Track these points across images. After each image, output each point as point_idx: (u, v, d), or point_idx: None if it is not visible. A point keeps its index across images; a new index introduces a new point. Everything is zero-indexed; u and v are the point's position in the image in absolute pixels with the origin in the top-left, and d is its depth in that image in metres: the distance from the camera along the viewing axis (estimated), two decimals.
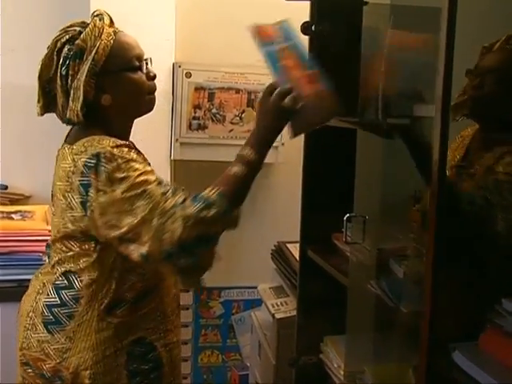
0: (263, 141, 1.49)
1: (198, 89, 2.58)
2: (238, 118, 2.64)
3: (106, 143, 1.45)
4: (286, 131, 2.72)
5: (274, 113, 1.45)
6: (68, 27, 1.54)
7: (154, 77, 1.62)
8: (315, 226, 1.87)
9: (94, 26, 1.50)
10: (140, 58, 1.58)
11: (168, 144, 2.62)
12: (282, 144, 2.70)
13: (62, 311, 1.52)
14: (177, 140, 2.60)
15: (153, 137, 2.59)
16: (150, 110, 1.67)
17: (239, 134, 2.66)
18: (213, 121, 2.62)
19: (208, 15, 2.69)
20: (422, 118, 1.39)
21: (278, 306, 2.16)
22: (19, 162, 2.70)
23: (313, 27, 1.76)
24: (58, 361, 1.52)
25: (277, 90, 1.43)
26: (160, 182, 1.46)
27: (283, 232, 2.66)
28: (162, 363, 1.60)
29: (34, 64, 2.48)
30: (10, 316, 1.89)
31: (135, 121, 2.49)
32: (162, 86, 2.56)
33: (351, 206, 1.66)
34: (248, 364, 2.85)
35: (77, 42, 1.49)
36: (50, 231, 2.42)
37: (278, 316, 2.08)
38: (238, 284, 2.93)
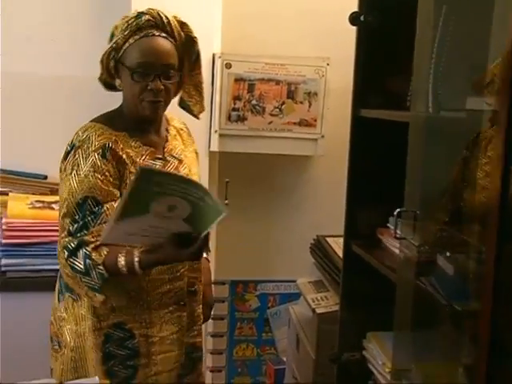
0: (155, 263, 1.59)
1: (238, 80, 2.56)
2: (277, 110, 2.61)
3: (85, 136, 1.62)
4: (326, 123, 2.69)
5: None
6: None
7: (153, 90, 1.62)
8: (359, 220, 1.84)
9: (126, 21, 1.62)
10: (149, 67, 1.61)
11: (207, 135, 2.60)
12: (322, 136, 2.67)
13: (63, 282, 1.70)
14: (216, 131, 2.58)
15: (191, 128, 2.55)
16: (148, 115, 1.67)
17: (278, 126, 2.63)
18: (252, 112, 2.59)
19: (250, 6, 2.66)
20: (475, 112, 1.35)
21: (318, 300, 2.13)
22: (58, 151, 2.71)
23: (361, 17, 1.72)
24: (57, 327, 1.73)
25: None
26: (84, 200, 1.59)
27: (322, 225, 2.63)
28: (138, 353, 1.67)
29: (77, 56, 2.50)
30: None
31: (174, 109, 2.53)
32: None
33: (396, 201, 1.62)
34: (284, 358, 2.84)
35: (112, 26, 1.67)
36: None
37: (318, 311, 2.06)
38: (274, 277, 2.91)
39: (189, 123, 2.54)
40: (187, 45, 1.71)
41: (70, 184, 1.59)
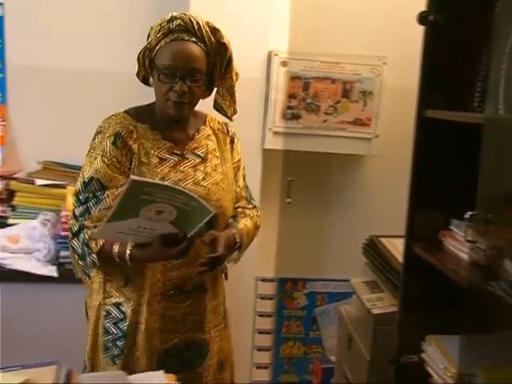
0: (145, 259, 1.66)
1: (294, 78, 2.56)
2: (332, 109, 2.60)
3: (107, 124, 1.73)
4: (380, 123, 2.67)
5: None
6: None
7: (178, 92, 1.68)
8: (421, 222, 1.81)
9: (160, 23, 1.70)
10: (175, 70, 1.67)
11: (260, 133, 2.61)
12: (376, 136, 2.65)
13: None
14: (270, 129, 2.59)
15: (246, 125, 2.58)
16: (172, 114, 1.73)
17: (333, 125, 2.62)
18: (307, 111, 2.59)
19: (306, 4, 2.65)
20: None
21: (373, 301, 2.12)
22: None
23: (430, 17, 1.69)
24: (87, 300, 1.87)
25: None
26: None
27: (374, 225, 2.62)
28: (125, 335, 1.75)
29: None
30: None
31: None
32: (257, 74, 2.57)
33: (457, 203, 1.60)
34: (331, 357, 2.83)
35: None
36: None
37: (374, 311, 2.05)
38: (323, 276, 2.91)
39: (243, 120, 2.56)
40: (219, 50, 1.75)
41: (84, 164, 1.73)
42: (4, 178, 2.57)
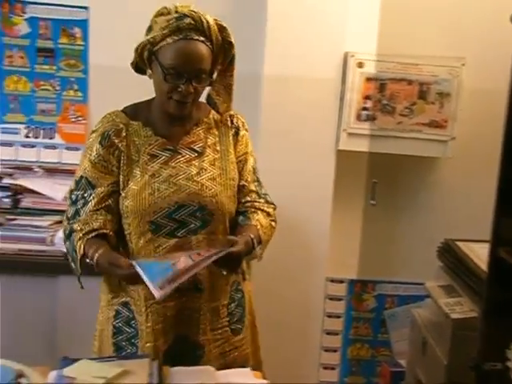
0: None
1: (370, 79, 2.55)
2: (407, 110, 2.58)
3: (100, 123, 1.76)
4: (457, 125, 2.62)
5: None
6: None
7: (183, 92, 1.65)
8: (508, 225, 1.78)
9: (167, 19, 1.64)
10: (182, 70, 1.63)
11: (334, 133, 2.61)
12: (453, 138, 2.62)
13: None
14: (344, 130, 2.59)
15: (320, 126, 2.61)
16: (174, 113, 1.70)
17: (408, 127, 2.60)
18: (382, 112, 2.58)
19: (381, 4, 2.63)
20: None
21: (451, 305, 2.08)
22: None
23: None
24: None
25: None
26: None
27: (447, 229, 2.60)
28: (137, 333, 1.72)
29: None
30: None
31: (301, 106, 2.56)
32: (332, 75, 2.57)
33: None
34: (399, 361, 2.81)
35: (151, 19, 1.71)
36: None
37: (453, 316, 2.02)
38: (393, 279, 2.89)
39: (317, 121, 2.59)
40: (224, 48, 1.72)
41: (79, 163, 1.77)
42: None
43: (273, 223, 1.83)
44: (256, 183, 1.84)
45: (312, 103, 2.58)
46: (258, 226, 1.75)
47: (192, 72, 1.64)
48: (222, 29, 1.70)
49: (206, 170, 1.72)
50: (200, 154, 1.74)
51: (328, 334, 2.90)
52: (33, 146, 2.71)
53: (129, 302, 1.75)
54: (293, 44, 2.53)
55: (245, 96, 2.72)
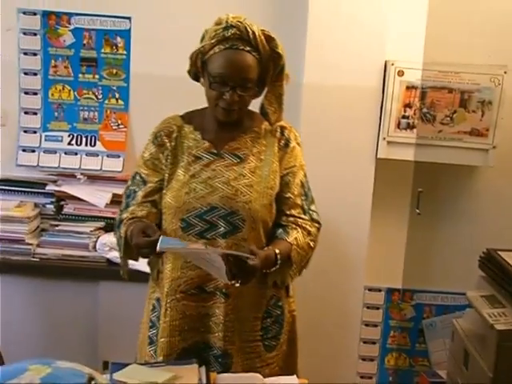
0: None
1: (410, 87, 2.55)
2: (448, 119, 2.57)
3: (159, 124, 1.84)
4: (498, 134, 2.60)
5: None
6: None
7: (227, 100, 1.69)
8: None
9: (215, 29, 1.70)
10: (227, 79, 1.67)
11: (374, 142, 2.61)
12: (494, 147, 2.59)
13: None
14: (384, 138, 2.58)
15: (359, 134, 2.61)
16: (221, 120, 1.75)
17: (448, 135, 2.58)
18: (422, 120, 2.57)
19: (422, 13, 2.62)
20: None
21: (495, 316, 2.06)
22: None
23: None
24: None
25: None
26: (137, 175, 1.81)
27: (487, 238, 2.57)
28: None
29: None
30: None
31: (341, 114, 2.56)
32: (372, 83, 2.57)
33: None
34: (438, 371, 2.78)
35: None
36: None
37: (498, 327, 1.99)
38: (431, 288, 2.86)
39: (357, 129, 2.60)
40: (273, 58, 1.74)
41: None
42: (126, 181, 2.69)
43: (311, 243, 1.78)
44: (303, 197, 1.82)
45: (352, 112, 2.58)
46: (293, 245, 1.73)
47: (236, 81, 1.67)
48: (269, 39, 1.73)
49: (244, 176, 1.74)
50: (242, 161, 1.76)
51: (365, 342, 2.89)
52: (75, 154, 2.76)
53: (160, 297, 1.80)
54: (333, 53, 2.53)
55: (285, 105, 2.76)
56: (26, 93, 2.76)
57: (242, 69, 1.68)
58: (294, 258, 1.72)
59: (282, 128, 1.84)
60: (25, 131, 2.78)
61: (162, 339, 1.73)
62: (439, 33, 2.55)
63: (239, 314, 1.74)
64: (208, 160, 1.76)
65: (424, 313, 2.89)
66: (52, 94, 2.76)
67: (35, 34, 2.71)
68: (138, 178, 1.81)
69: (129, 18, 2.70)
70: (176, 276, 1.74)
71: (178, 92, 2.76)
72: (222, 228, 1.70)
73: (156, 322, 1.81)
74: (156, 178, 1.78)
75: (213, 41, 1.69)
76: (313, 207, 1.83)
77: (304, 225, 1.77)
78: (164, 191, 1.76)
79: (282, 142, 1.82)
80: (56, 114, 2.77)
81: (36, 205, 2.66)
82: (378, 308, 2.88)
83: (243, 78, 1.68)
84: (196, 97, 2.72)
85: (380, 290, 2.87)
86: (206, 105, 1.81)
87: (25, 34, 2.71)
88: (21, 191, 2.67)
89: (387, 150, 2.59)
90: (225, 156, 1.76)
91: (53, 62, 2.73)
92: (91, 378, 0.82)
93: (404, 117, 2.57)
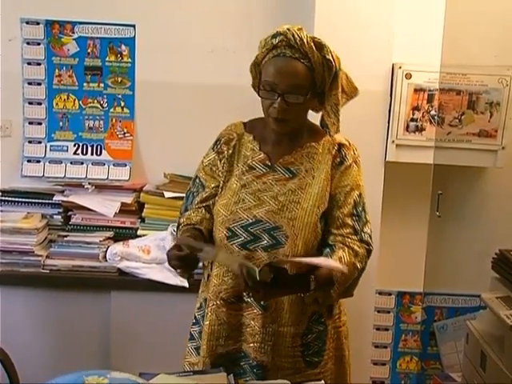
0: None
1: (418, 90, 2.54)
2: (456, 121, 2.57)
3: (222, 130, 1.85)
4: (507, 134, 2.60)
5: None
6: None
7: (276, 109, 1.66)
8: None
9: (265, 38, 1.71)
10: (274, 87, 1.66)
11: (383, 145, 2.60)
12: (503, 148, 2.59)
13: None
14: (393, 141, 2.58)
15: (368, 137, 2.58)
16: (274, 129, 1.74)
17: (457, 137, 2.58)
18: (431, 123, 2.57)
19: (429, 15, 2.63)
20: None
21: None
22: None
23: None
24: None
25: None
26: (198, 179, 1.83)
27: (497, 239, 2.56)
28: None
29: None
30: None
31: (348, 117, 2.55)
32: (379, 87, 2.56)
33: None
34: (451, 374, 2.77)
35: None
36: None
37: None
38: (441, 290, 2.86)
39: (365, 133, 2.58)
40: (325, 66, 1.71)
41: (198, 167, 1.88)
42: (133, 190, 2.68)
43: (358, 264, 1.70)
44: (355, 218, 1.74)
45: (360, 115, 2.55)
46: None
47: (284, 88, 1.65)
48: (319, 46, 1.70)
49: (293, 192, 1.72)
50: (294, 176, 1.74)
51: (376, 347, 2.87)
52: (81, 163, 2.74)
53: (207, 298, 1.80)
54: (339, 56, 2.52)
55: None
56: (30, 103, 2.74)
57: (290, 76, 1.65)
58: (336, 278, 1.64)
59: (340, 145, 1.80)
60: (29, 141, 2.75)
61: (203, 341, 1.76)
62: (447, 35, 2.55)
63: (278, 329, 1.72)
64: (261, 172, 1.75)
65: (435, 315, 2.88)
66: (56, 104, 2.74)
67: (39, 44, 2.69)
68: (197, 181, 1.84)
69: (133, 26, 2.68)
70: (218, 282, 1.76)
71: (184, 99, 2.77)
72: (265, 241, 1.68)
73: (200, 320, 1.83)
74: (213, 184, 1.79)
75: (263, 49, 1.70)
76: (366, 229, 1.76)
77: (352, 244, 1.71)
78: (217, 198, 1.77)
79: (338, 159, 1.77)
80: (61, 123, 2.75)
81: (43, 216, 2.63)
82: (388, 312, 2.87)
83: (291, 84, 1.65)
84: (201, 104, 2.76)
85: (390, 294, 2.86)
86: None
87: (28, 43, 2.69)
88: (27, 202, 2.63)
89: (396, 153, 2.58)
90: (277, 169, 1.75)
91: (57, 71, 2.71)
92: None
93: (412, 119, 2.57)
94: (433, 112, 2.56)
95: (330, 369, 1.80)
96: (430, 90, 2.54)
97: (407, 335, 2.90)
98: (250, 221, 1.69)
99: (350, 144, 1.82)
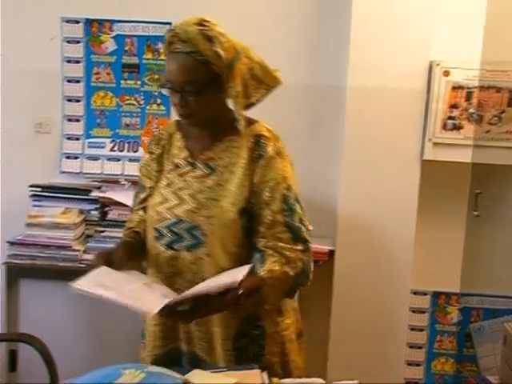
0: None
1: (456, 88, 2.51)
2: (496, 119, 2.52)
3: None
4: None
5: None
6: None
7: (178, 108, 1.61)
8: None
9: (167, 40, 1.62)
10: (171, 84, 1.60)
11: (419, 143, 2.57)
12: None
13: None
14: (430, 140, 2.55)
15: (404, 136, 2.57)
16: (189, 125, 1.69)
17: (496, 136, 2.54)
18: (469, 121, 2.53)
19: (467, 11, 2.58)
20: None
21: None
22: None
23: None
24: None
25: None
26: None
27: None
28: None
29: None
30: None
31: (385, 116, 2.54)
32: (416, 84, 2.54)
33: None
34: (487, 377, 2.73)
35: None
36: None
37: None
38: (478, 291, 2.81)
39: (402, 131, 2.56)
40: (220, 60, 1.58)
41: None
42: None
43: (290, 271, 1.60)
44: (286, 213, 1.62)
45: (396, 113, 2.55)
46: (266, 278, 1.57)
47: (178, 84, 1.58)
48: (209, 38, 1.58)
49: (210, 189, 1.64)
50: (212, 172, 1.66)
51: (411, 347, 2.84)
52: (118, 160, 2.78)
53: None
54: (377, 54, 2.51)
55: (328, 108, 2.75)
56: (69, 100, 2.78)
57: (182, 72, 1.57)
58: (264, 293, 1.57)
59: (259, 137, 1.66)
60: (68, 138, 2.80)
61: (146, 340, 1.75)
62: (487, 31, 2.50)
63: (211, 329, 1.65)
64: (184, 169, 1.69)
65: (471, 317, 2.83)
66: (94, 101, 2.78)
67: (78, 42, 2.74)
68: (139, 183, 1.81)
69: (170, 23, 2.70)
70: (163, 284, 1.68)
71: None
72: (187, 241, 1.61)
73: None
74: (149, 185, 1.75)
75: (164, 46, 1.66)
76: (301, 223, 1.64)
77: (283, 250, 1.60)
78: (149, 199, 1.73)
79: (256, 152, 1.64)
80: (98, 120, 2.79)
81: (81, 211, 2.68)
82: (423, 312, 2.84)
83: (184, 81, 1.57)
84: None
85: (425, 294, 2.82)
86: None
87: (68, 42, 2.74)
88: (65, 198, 2.68)
89: (433, 152, 2.56)
90: (198, 166, 1.68)
91: (95, 69, 2.75)
92: (187, 383, 0.81)
93: (450, 117, 2.53)
94: (471, 110, 2.52)
95: (279, 374, 1.60)
96: (468, 88, 2.51)
97: (442, 336, 2.86)
98: (173, 220, 1.63)
99: (271, 135, 1.68)
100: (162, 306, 1.39)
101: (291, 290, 1.66)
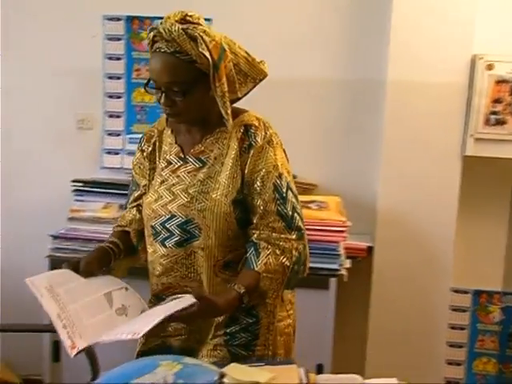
0: None
1: (500, 82, 2.45)
2: None
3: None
4: None
5: None
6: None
7: (164, 108, 1.58)
8: None
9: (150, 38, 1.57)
10: (156, 84, 1.56)
11: (460, 139, 2.53)
12: None
13: None
14: (471, 135, 2.50)
15: (445, 131, 2.54)
16: (175, 122, 1.67)
17: None
18: None
19: (509, 3, 2.53)
20: None
21: None
22: (305, 152, 2.78)
23: None
24: None
25: None
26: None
27: None
28: None
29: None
30: (308, 301, 2.00)
31: (426, 111, 2.50)
32: (458, 78, 2.49)
33: None
34: None
35: None
36: (344, 222, 2.48)
37: None
38: None
39: (443, 126, 2.53)
40: (205, 59, 1.53)
41: None
42: None
43: (286, 262, 1.58)
44: (279, 201, 1.59)
45: (437, 108, 2.52)
46: (262, 273, 1.55)
47: (163, 85, 1.55)
48: (193, 38, 1.52)
49: (202, 182, 1.62)
50: (203, 165, 1.64)
51: (451, 346, 2.80)
52: None
53: None
54: (417, 48, 2.48)
55: (368, 102, 2.72)
56: (110, 96, 2.83)
57: (167, 72, 1.54)
58: (264, 287, 1.56)
59: (248, 126, 1.62)
60: (109, 134, 2.85)
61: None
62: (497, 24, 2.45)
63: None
64: (176, 165, 1.67)
65: None
66: (135, 97, 2.82)
67: (119, 39, 2.78)
68: (132, 180, 1.79)
69: (210, 20, 2.71)
70: (153, 280, 1.70)
71: (259, 93, 2.78)
72: (179, 237, 1.60)
73: None
74: (143, 182, 1.73)
75: (147, 45, 1.60)
76: (294, 211, 1.61)
77: (277, 241, 1.58)
78: (144, 197, 1.72)
79: (246, 142, 1.61)
80: (139, 116, 2.83)
81: (121, 206, 2.71)
82: (464, 310, 2.79)
83: (169, 81, 1.54)
84: (274, 98, 2.76)
85: (467, 292, 2.77)
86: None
87: (109, 39, 2.78)
88: (106, 193, 2.72)
89: (475, 147, 2.51)
90: (189, 161, 1.66)
91: (136, 65, 2.79)
92: (222, 376, 0.81)
93: (493, 112, 2.48)
94: None
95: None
96: None
97: (484, 335, 2.80)
98: (167, 217, 1.62)
99: (261, 123, 1.63)
100: (86, 344, 1.40)
101: (290, 280, 1.62)
